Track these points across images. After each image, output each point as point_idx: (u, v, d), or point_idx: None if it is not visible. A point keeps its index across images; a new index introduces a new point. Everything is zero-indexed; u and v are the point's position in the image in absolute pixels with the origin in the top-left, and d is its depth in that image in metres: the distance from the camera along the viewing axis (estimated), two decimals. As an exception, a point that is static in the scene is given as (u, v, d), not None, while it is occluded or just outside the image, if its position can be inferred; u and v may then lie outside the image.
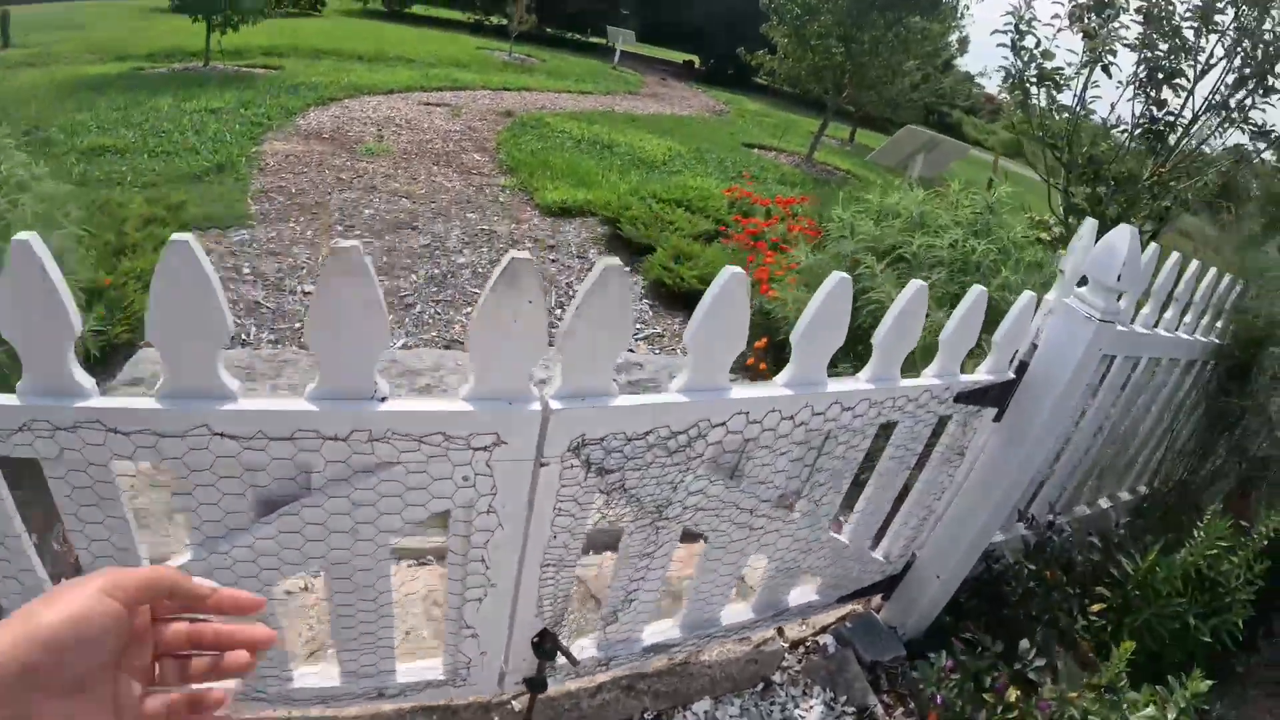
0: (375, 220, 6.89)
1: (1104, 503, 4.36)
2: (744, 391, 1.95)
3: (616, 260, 1.57)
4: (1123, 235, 2.59)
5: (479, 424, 1.60)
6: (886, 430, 2.54)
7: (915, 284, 2.22)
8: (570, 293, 6.26)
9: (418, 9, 31.64)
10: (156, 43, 15.58)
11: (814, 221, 8.22)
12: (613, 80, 22.60)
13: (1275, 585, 4.01)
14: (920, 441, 2.68)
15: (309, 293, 5.30)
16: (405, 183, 8.19)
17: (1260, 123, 6.79)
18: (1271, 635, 4.28)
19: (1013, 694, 3.02)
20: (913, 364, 2.50)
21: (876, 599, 3.47)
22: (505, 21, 22.29)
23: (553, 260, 6.83)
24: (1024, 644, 3.19)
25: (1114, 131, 7.31)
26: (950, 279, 4.33)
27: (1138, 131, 7.03)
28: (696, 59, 34.67)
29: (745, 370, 5.61)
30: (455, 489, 1.66)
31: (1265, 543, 4.03)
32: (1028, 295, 2.66)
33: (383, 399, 1.53)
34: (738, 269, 1.76)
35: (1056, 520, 3.74)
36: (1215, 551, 3.80)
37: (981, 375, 2.69)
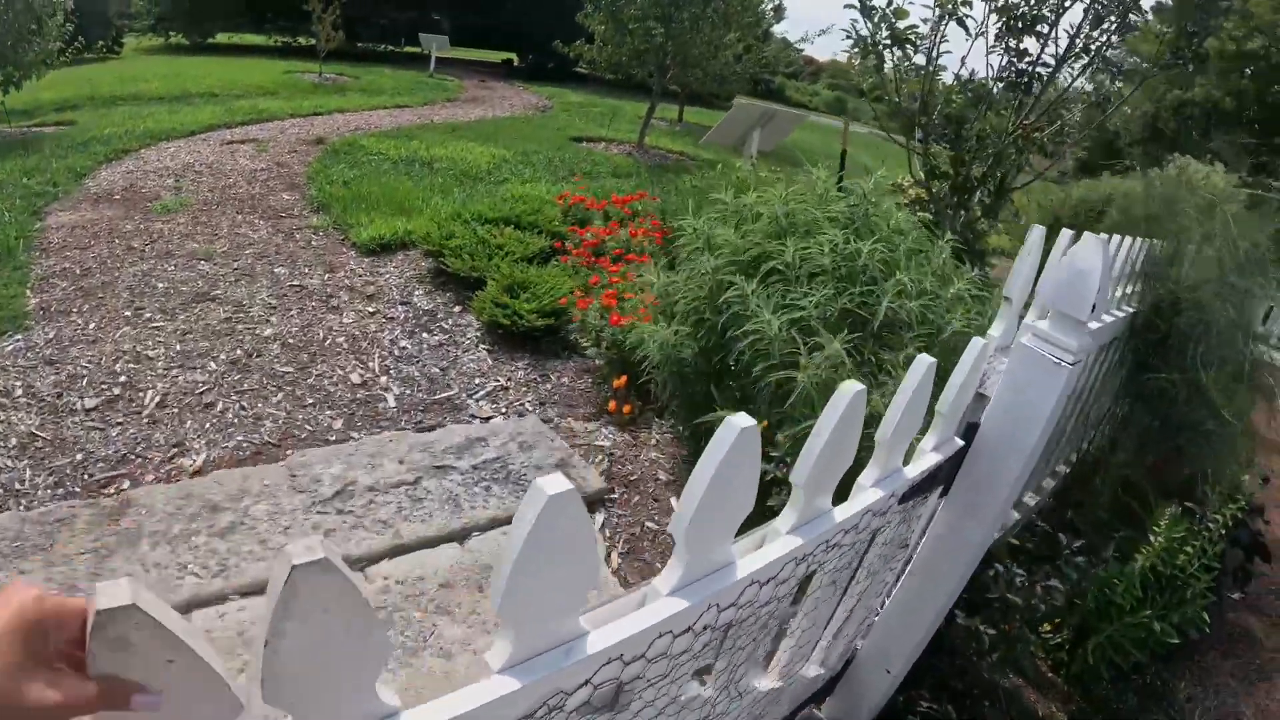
0: (169, 294, 5.91)
1: (1029, 499, 4.09)
2: (612, 631, 1.21)
3: (313, 547, 0.79)
4: (1093, 254, 2.01)
5: None
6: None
7: (851, 389, 1.53)
8: (393, 352, 5.42)
9: (221, 38, 29.95)
10: (-60, 112, 14.06)
11: (658, 221, 7.60)
12: (430, 89, 21.64)
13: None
14: (856, 559, 2.06)
15: (92, 409, 4.40)
16: (205, 241, 7.19)
17: (1117, 62, 6.57)
18: (1220, 597, 4.26)
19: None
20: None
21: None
22: (313, 42, 21.00)
23: (371, 314, 5.96)
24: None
25: (969, 88, 6.97)
26: (839, 293, 3.66)
27: (1000, 85, 6.70)
28: (515, 57, 33.94)
29: (606, 415, 4.89)
30: None
31: (1223, 531, 4.03)
32: (977, 344, 2.06)
33: None
34: (559, 487, 0.99)
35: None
36: (1170, 546, 3.72)
37: (928, 459, 2.07)
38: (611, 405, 4.88)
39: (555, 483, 1.01)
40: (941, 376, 3.55)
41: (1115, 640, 3.58)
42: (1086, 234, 2.06)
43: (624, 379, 4.93)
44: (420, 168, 10.92)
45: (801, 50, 48.74)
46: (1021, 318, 2.88)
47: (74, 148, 10.52)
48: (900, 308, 3.59)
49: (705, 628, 1.39)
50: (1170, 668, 4.20)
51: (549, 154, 13.18)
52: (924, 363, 1.79)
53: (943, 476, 2.16)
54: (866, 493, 1.82)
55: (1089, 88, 7.34)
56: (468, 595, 3.25)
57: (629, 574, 3.71)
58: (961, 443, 2.19)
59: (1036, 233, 2.75)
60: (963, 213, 7.13)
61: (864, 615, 2.44)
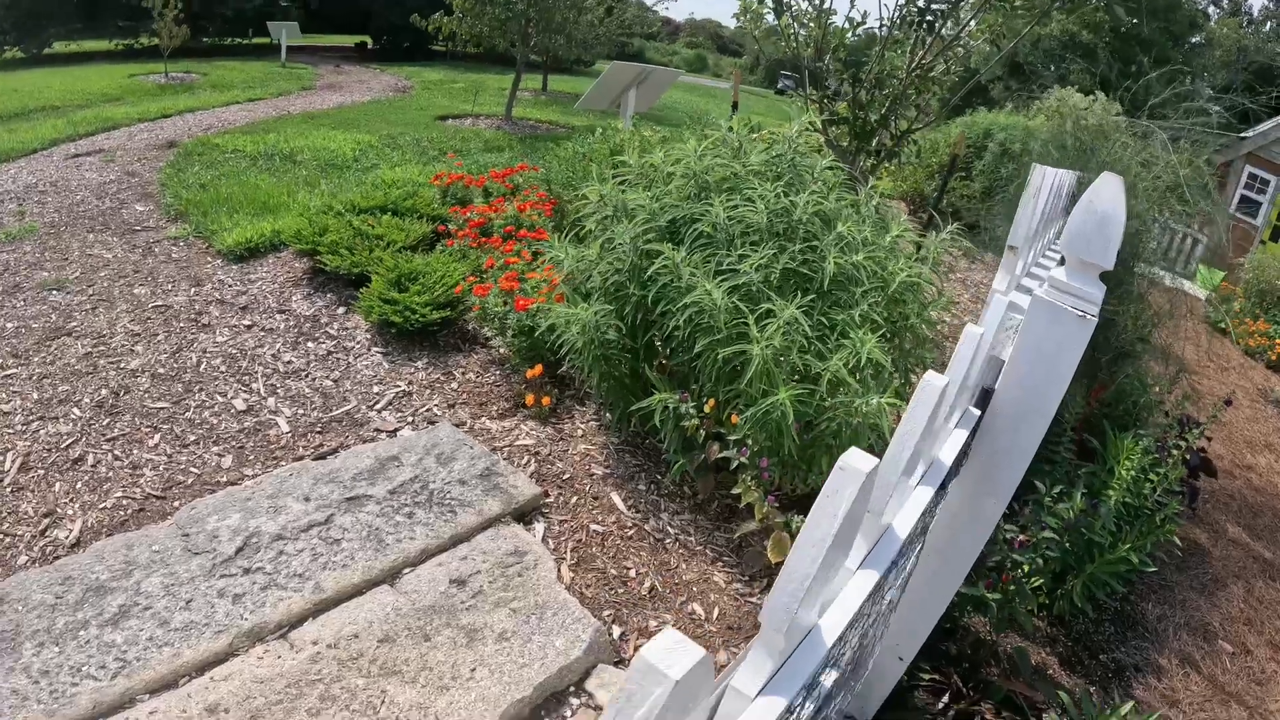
0: (21, 334, 5.27)
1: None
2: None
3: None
4: (1115, 196, 1.80)
5: None
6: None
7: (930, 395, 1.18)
8: (277, 368, 4.92)
9: (59, 48, 28.36)
10: None
11: (544, 194, 7.22)
12: (284, 80, 20.79)
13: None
14: (909, 570, 1.77)
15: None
16: (55, 268, 6.51)
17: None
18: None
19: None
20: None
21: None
22: (156, 41, 19.96)
23: (248, 328, 5.41)
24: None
25: (861, 29, 6.80)
26: (780, 251, 3.29)
27: (896, 26, 6.51)
28: (369, 40, 33.07)
29: (522, 409, 4.49)
30: None
31: (1185, 458, 4.11)
32: (973, 334, 1.73)
33: None
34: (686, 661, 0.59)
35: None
36: (1137, 477, 3.79)
37: (957, 438, 1.84)
38: (528, 399, 4.48)
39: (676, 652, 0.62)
40: (895, 332, 3.22)
41: (1096, 577, 3.60)
42: (1106, 174, 1.82)
43: (539, 368, 4.53)
44: (281, 162, 10.32)
45: (659, 12, 48.93)
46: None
47: (-101, 183, 9.61)
48: (846, 262, 3.26)
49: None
50: (1135, 590, 4.31)
51: (415, 135, 12.71)
52: (933, 386, 1.43)
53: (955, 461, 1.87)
54: (917, 493, 1.51)
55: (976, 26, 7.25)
56: (414, 648, 2.82)
57: (585, 588, 3.33)
58: (978, 413, 1.97)
59: (1039, 173, 2.45)
60: (864, 158, 6.92)
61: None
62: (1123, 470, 3.83)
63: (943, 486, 1.70)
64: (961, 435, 1.79)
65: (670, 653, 0.63)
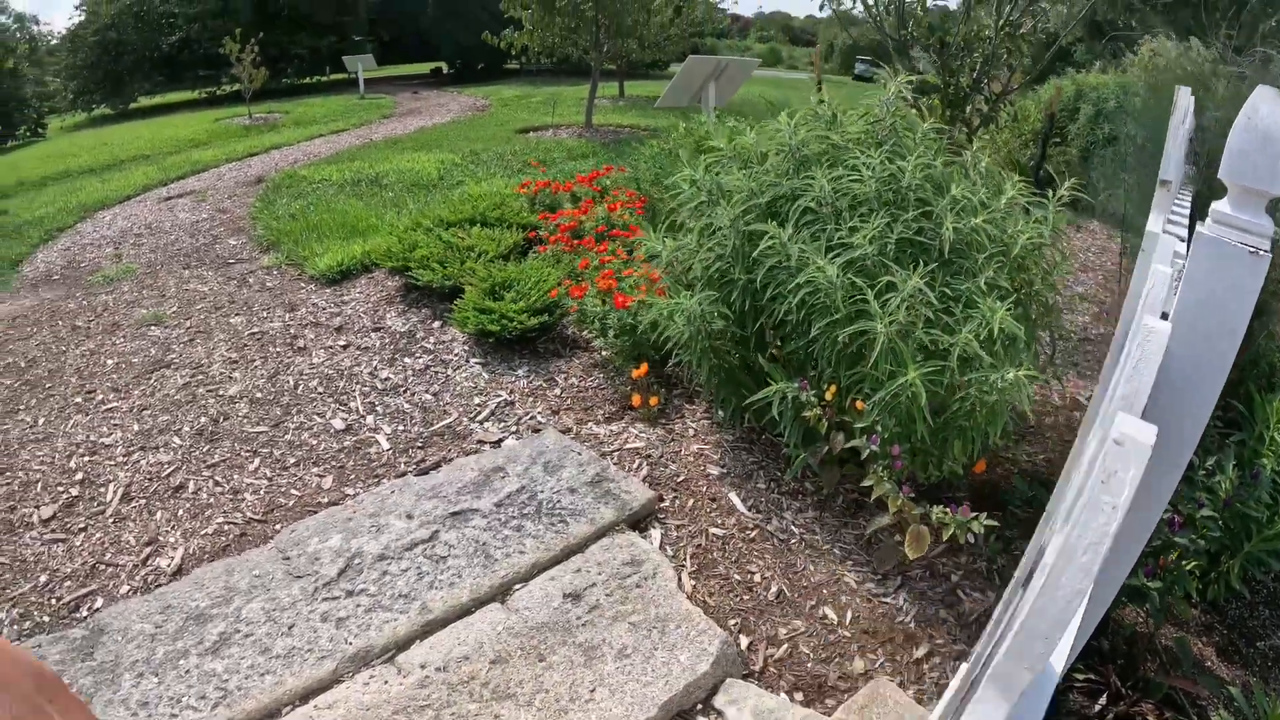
0: (121, 369, 5.32)
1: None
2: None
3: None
4: (1273, 108, 1.57)
5: None
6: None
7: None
8: (375, 385, 4.81)
9: (145, 101, 29.35)
10: None
11: (633, 192, 7.06)
12: (364, 110, 21.07)
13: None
14: None
15: (50, 519, 3.78)
16: (153, 305, 6.58)
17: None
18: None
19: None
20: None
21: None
22: (238, 86, 20.51)
23: (343, 348, 5.34)
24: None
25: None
26: (892, 221, 3.06)
27: None
28: (443, 65, 33.49)
29: (629, 411, 4.31)
30: None
31: None
32: (1159, 331, 1.50)
33: None
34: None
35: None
36: None
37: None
38: (635, 399, 4.29)
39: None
40: (1020, 301, 2.95)
41: (1253, 555, 3.24)
42: (1261, 87, 1.60)
43: (644, 367, 4.33)
44: (368, 186, 10.36)
45: (727, 10, 48.97)
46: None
47: (6, 236, 9.91)
48: (965, 226, 3.01)
49: None
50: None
51: (498, 149, 12.67)
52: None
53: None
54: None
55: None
56: (528, 669, 2.64)
57: (708, 596, 3.13)
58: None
59: (1184, 95, 2.20)
60: (958, 127, 6.64)
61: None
62: (1277, 434, 3.49)
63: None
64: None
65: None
